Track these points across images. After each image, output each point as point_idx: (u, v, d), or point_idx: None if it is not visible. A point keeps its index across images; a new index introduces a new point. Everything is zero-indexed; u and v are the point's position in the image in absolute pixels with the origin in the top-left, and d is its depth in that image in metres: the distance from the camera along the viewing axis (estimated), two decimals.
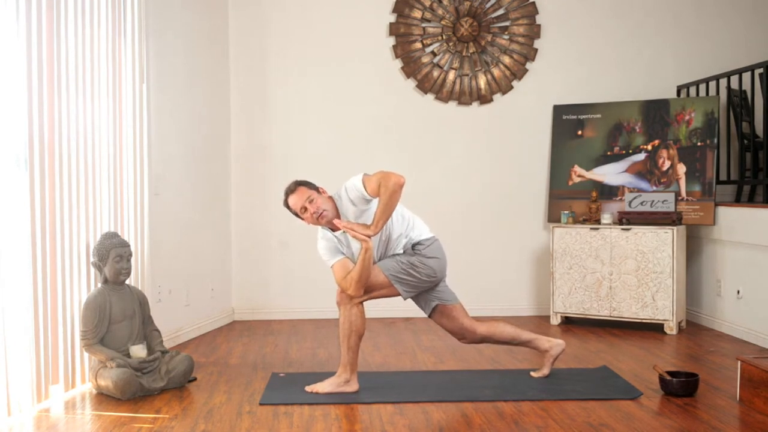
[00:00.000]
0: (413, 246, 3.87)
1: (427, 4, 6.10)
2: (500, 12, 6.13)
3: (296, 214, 3.84)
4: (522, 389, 3.88)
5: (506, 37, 6.14)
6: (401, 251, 3.88)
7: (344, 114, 6.13)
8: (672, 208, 5.36)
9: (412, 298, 4.00)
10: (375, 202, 3.70)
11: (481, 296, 5.97)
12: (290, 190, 3.84)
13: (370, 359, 4.64)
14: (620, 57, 6.18)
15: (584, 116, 6.04)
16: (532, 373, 4.14)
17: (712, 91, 5.85)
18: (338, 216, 3.78)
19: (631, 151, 5.85)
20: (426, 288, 3.93)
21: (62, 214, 3.84)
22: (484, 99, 6.16)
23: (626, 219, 5.45)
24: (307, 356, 4.78)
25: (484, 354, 4.72)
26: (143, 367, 3.87)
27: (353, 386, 3.86)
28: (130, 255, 4.06)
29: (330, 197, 3.82)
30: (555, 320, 5.70)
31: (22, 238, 3.57)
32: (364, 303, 3.87)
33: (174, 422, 3.45)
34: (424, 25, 6.13)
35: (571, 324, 5.70)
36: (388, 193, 3.58)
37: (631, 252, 5.39)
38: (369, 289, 3.83)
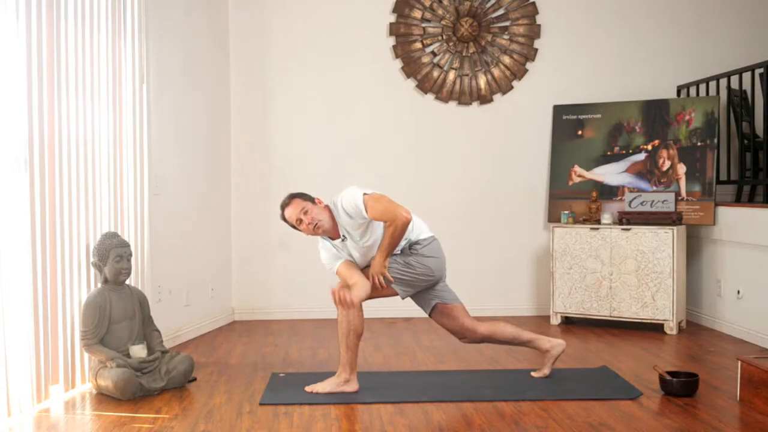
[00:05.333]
0: (410, 245, 3.87)
1: (427, 4, 6.10)
2: (500, 12, 6.13)
3: (294, 227, 3.84)
4: (522, 389, 3.88)
5: (506, 37, 6.14)
6: (399, 251, 3.88)
7: (344, 114, 6.13)
8: (672, 208, 5.36)
9: (411, 297, 4.00)
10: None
11: (481, 296, 5.97)
12: (285, 204, 3.84)
13: (370, 359, 4.63)
14: (620, 57, 6.18)
15: (584, 116, 6.04)
16: (533, 374, 4.14)
17: (712, 91, 5.85)
18: (335, 225, 3.78)
19: (631, 151, 5.85)
20: (424, 287, 3.94)
21: (62, 214, 3.84)
22: (484, 99, 6.16)
23: (626, 219, 5.45)
24: (307, 356, 4.78)
25: (484, 354, 4.72)
26: (143, 367, 3.87)
27: (353, 386, 3.86)
28: (130, 255, 4.06)
29: (326, 206, 3.82)
30: (555, 320, 5.70)
31: (22, 238, 3.57)
32: (362, 302, 3.87)
33: (174, 422, 3.45)
34: (424, 25, 6.13)
35: (571, 324, 5.70)
36: (398, 231, 3.68)
37: (631, 252, 5.39)
38: None
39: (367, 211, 3.67)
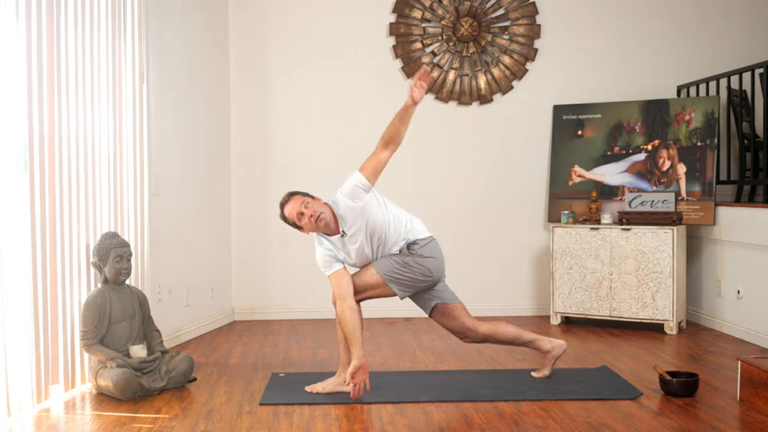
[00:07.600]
0: (408, 246, 3.87)
1: (427, 4, 6.10)
2: (500, 12, 6.13)
3: (294, 225, 3.82)
4: (522, 389, 3.88)
5: (506, 37, 6.14)
6: (397, 251, 3.87)
7: (344, 114, 6.13)
8: (672, 208, 5.36)
9: (410, 298, 4.00)
10: (371, 195, 3.74)
11: (481, 296, 5.98)
12: (284, 201, 3.83)
13: (370, 359, 4.63)
14: (620, 57, 6.18)
15: (584, 116, 6.04)
16: (533, 374, 4.14)
17: (712, 91, 5.85)
18: (335, 220, 3.77)
19: (631, 151, 5.85)
20: (423, 287, 3.93)
21: (62, 214, 3.84)
22: (484, 99, 6.16)
23: (626, 219, 5.45)
24: (307, 356, 4.79)
25: (484, 354, 4.72)
26: (143, 367, 3.87)
27: None
28: (130, 255, 4.06)
29: (325, 203, 3.81)
30: (555, 320, 5.70)
31: (22, 238, 3.57)
32: (362, 302, 3.88)
33: (174, 422, 3.45)
34: (424, 25, 6.13)
35: (571, 324, 5.70)
36: (404, 123, 3.88)
37: (631, 252, 5.39)
38: (363, 289, 3.85)
39: (367, 176, 3.70)
